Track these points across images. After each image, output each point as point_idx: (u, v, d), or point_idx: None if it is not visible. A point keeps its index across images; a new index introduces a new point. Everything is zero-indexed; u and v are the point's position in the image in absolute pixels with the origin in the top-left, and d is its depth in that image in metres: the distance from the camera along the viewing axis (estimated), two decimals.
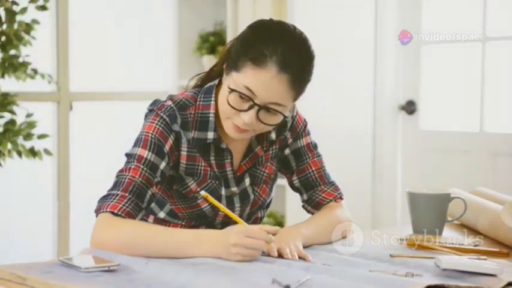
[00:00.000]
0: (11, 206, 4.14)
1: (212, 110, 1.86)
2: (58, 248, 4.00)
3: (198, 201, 1.89)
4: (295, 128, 2.02)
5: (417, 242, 1.85)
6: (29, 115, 3.51)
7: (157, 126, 1.83)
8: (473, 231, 2.10)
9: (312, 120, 3.89)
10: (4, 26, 3.45)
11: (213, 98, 1.87)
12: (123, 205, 1.74)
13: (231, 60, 1.79)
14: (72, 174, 4.04)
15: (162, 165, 1.82)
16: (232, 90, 1.76)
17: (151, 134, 1.83)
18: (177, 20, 4.39)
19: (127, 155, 1.83)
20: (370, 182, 4.24)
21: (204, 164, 1.88)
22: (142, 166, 1.79)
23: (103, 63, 4.39)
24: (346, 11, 4.11)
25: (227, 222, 1.87)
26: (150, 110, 1.88)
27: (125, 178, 1.78)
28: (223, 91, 1.81)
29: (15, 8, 3.47)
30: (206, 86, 1.91)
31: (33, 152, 3.46)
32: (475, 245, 1.90)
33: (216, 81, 1.91)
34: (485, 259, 1.70)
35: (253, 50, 1.74)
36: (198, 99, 1.88)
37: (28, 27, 3.48)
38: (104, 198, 1.76)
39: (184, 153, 1.86)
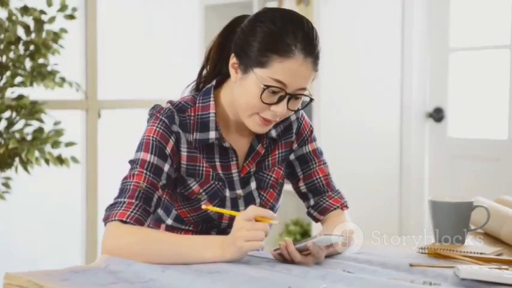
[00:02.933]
0: (41, 214, 4.17)
1: (212, 110, 1.87)
2: (87, 255, 4.03)
3: (201, 203, 1.88)
4: (301, 133, 2.00)
5: (438, 250, 1.84)
6: (56, 123, 3.54)
7: (158, 129, 1.85)
8: (497, 240, 2.07)
9: (339, 127, 3.93)
10: (33, 35, 3.48)
11: (212, 98, 1.88)
12: (131, 212, 1.75)
13: (247, 58, 1.78)
14: (100, 181, 4.07)
15: (166, 167, 1.83)
16: (267, 87, 1.76)
17: (152, 137, 1.84)
18: (203, 28, 4.41)
19: (130, 161, 1.85)
20: (398, 189, 4.21)
21: (206, 165, 1.88)
22: (145, 171, 1.80)
23: (131, 71, 4.43)
24: (373, 18, 4.09)
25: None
26: (151, 115, 1.90)
27: (130, 185, 1.79)
28: (245, 89, 1.79)
29: (44, 17, 3.50)
30: (204, 88, 1.92)
31: (60, 160, 3.49)
32: (498, 254, 1.88)
33: (213, 82, 1.91)
34: (507, 269, 1.67)
35: (275, 42, 1.75)
36: (197, 102, 1.89)
37: (56, 36, 3.52)
38: (111, 206, 1.78)
39: (184, 153, 1.87)
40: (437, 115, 4.21)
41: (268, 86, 1.76)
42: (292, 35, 1.75)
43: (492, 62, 4.08)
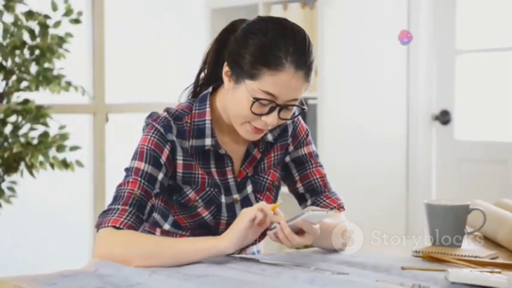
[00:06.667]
0: (48, 218, 4.18)
1: (208, 117, 1.88)
2: None
3: (198, 210, 1.89)
4: (297, 135, 2.00)
5: (432, 254, 1.83)
6: (61, 127, 3.55)
7: (152, 138, 1.84)
8: (494, 243, 2.06)
9: (345, 130, 3.92)
10: (38, 40, 3.50)
11: (207, 105, 1.88)
12: (125, 218, 1.75)
13: (239, 69, 1.78)
14: (108, 186, 4.08)
15: (160, 176, 1.83)
16: (256, 100, 1.76)
17: (147, 146, 1.84)
18: (210, 31, 4.41)
19: (126, 169, 1.85)
20: (404, 192, 4.20)
21: (201, 172, 1.89)
22: (140, 179, 1.80)
23: (139, 75, 4.43)
24: (378, 20, 4.08)
25: None
26: (147, 124, 1.89)
27: (124, 192, 1.79)
28: (236, 99, 1.80)
29: (49, 22, 3.52)
30: (201, 94, 1.92)
31: (65, 164, 3.50)
32: (493, 258, 1.87)
33: (209, 89, 1.91)
34: (499, 272, 1.66)
35: (266, 56, 1.75)
36: (194, 108, 1.89)
37: (61, 41, 3.53)
38: (105, 213, 1.78)
39: (180, 161, 1.87)
40: (444, 118, 4.19)
41: (257, 99, 1.76)
42: (283, 48, 1.75)
43: (499, 64, 4.05)
